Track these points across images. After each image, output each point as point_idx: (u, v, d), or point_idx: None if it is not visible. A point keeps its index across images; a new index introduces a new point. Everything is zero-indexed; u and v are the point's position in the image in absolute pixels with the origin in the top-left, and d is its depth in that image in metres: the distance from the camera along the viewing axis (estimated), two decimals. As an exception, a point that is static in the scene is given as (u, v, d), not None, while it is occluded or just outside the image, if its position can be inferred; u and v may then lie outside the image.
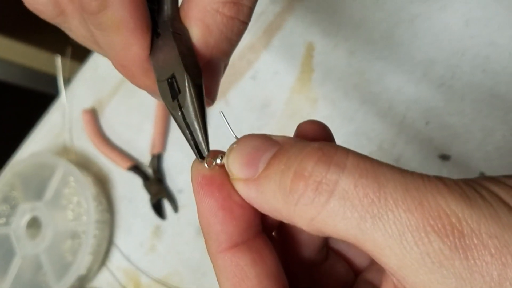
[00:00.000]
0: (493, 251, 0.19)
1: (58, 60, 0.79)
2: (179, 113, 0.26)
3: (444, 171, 0.52)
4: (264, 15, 0.67)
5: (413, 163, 0.54)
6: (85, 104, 0.78)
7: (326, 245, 0.31)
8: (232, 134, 0.26)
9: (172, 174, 0.69)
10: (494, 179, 0.21)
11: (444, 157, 0.53)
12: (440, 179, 0.21)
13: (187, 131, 0.26)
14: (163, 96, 0.27)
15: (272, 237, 0.28)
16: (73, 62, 0.82)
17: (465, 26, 0.55)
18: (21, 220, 0.69)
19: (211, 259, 0.25)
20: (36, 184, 0.71)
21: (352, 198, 0.20)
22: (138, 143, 0.72)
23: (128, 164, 0.70)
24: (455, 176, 0.22)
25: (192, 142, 0.26)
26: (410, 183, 0.20)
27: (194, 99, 0.25)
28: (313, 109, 0.61)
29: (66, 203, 0.68)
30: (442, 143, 0.53)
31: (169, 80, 0.26)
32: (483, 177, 0.21)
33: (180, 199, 0.67)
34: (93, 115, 0.76)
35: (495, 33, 0.53)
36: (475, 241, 0.19)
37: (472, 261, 0.19)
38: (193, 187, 0.25)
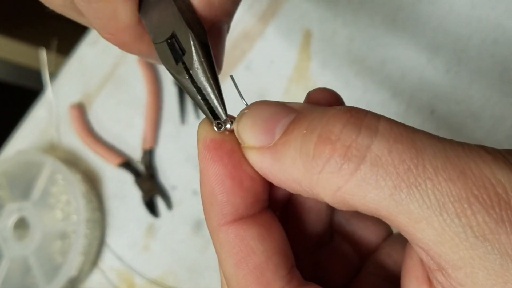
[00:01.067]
0: None
1: (43, 53, 0.76)
2: (186, 77, 0.23)
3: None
4: (258, 1, 0.64)
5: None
6: (72, 99, 0.75)
7: (331, 226, 0.29)
8: (243, 101, 0.24)
9: (165, 169, 0.67)
10: None
11: (452, 147, 0.51)
12: (481, 147, 0.19)
13: (198, 96, 0.23)
14: (163, 60, 0.24)
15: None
16: (59, 56, 0.79)
17: (471, 8, 0.53)
18: (8, 220, 0.68)
19: (211, 233, 0.23)
20: (22, 183, 0.69)
21: (386, 164, 0.18)
22: (129, 138, 0.70)
23: (118, 160, 0.68)
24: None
25: (205, 108, 0.23)
26: (450, 150, 0.19)
27: (203, 59, 0.23)
28: (312, 99, 0.59)
29: (55, 202, 0.67)
30: (449, 132, 0.52)
31: (169, 41, 0.24)
32: None
33: (174, 195, 0.66)
34: (81, 110, 0.74)
35: (503, 15, 0.52)
36: None
37: None
38: (199, 150, 0.23)
